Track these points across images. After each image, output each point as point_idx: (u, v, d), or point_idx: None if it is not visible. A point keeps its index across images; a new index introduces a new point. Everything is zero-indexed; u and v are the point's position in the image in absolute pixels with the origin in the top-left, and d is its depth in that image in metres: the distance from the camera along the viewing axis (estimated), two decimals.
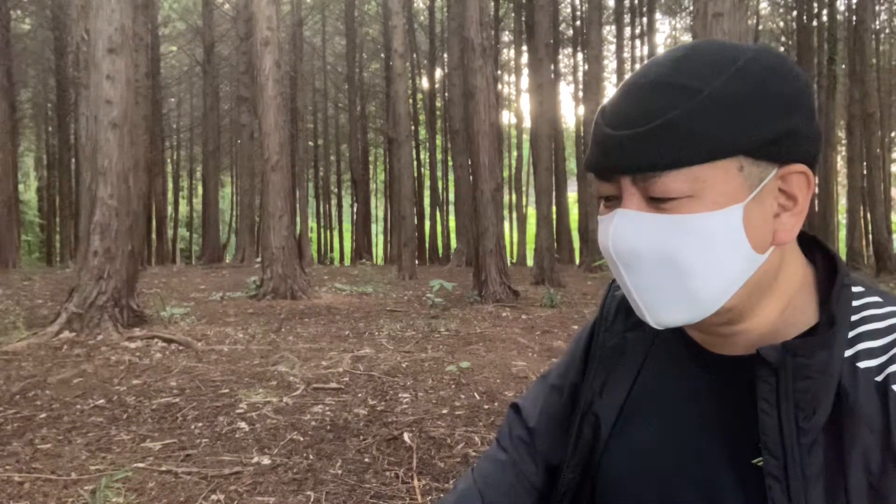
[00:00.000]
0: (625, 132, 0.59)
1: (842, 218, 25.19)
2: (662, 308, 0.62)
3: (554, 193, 18.83)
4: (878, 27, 23.44)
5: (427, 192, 28.89)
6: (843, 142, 22.99)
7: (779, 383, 0.58)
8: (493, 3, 20.64)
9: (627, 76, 0.65)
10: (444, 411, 3.93)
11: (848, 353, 0.59)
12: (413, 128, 25.11)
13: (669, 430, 0.69)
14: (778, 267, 0.63)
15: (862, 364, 0.58)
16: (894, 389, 0.56)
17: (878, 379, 0.57)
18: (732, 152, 0.58)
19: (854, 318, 0.61)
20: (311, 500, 2.69)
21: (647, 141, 0.58)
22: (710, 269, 0.59)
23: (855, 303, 0.62)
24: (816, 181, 0.64)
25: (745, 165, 0.59)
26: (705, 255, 0.59)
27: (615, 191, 0.63)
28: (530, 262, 20.10)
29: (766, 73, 0.59)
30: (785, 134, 0.59)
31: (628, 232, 0.61)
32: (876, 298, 0.63)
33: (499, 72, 26.29)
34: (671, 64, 0.60)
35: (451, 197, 26.33)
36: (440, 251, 28.62)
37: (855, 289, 0.64)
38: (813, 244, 0.69)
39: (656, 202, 0.60)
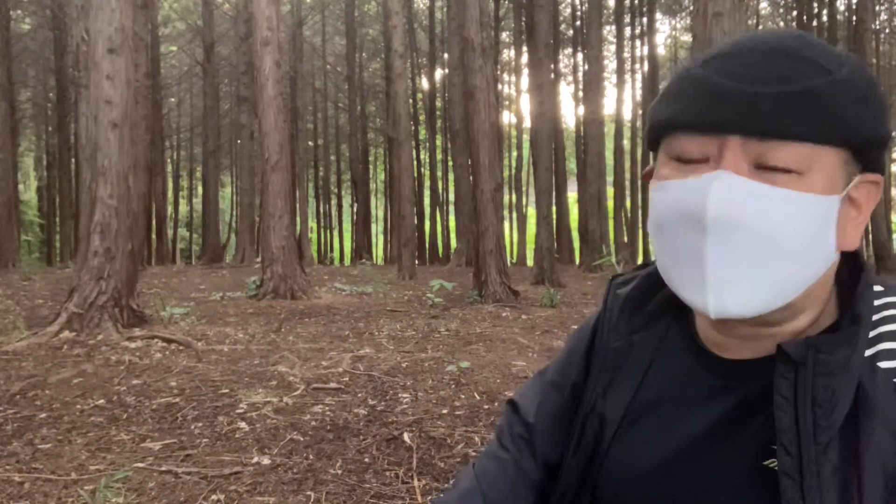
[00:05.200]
0: (762, 89, 0.55)
1: None
2: (738, 289, 0.57)
3: (554, 193, 18.83)
4: (878, 27, 23.44)
5: (427, 192, 28.89)
6: None
7: (797, 379, 0.57)
8: (493, 3, 20.64)
9: (735, 39, 0.61)
10: (444, 411, 3.93)
11: (868, 352, 0.58)
12: (413, 128, 25.13)
13: (675, 433, 0.68)
14: (832, 273, 0.63)
15: (882, 364, 0.57)
16: None
17: None
18: (849, 141, 0.56)
19: (875, 317, 0.60)
20: (311, 500, 2.69)
21: (781, 103, 0.54)
22: (801, 255, 0.57)
23: (876, 302, 0.62)
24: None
25: (848, 160, 0.58)
26: (801, 238, 0.56)
27: (712, 150, 0.58)
28: (530, 262, 20.09)
29: (871, 77, 0.59)
30: (883, 139, 0.58)
31: (738, 197, 0.55)
32: (894, 299, 0.62)
33: (499, 72, 26.29)
34: (793, 39, 0.58)
35: (451, 197, 26.32)
36: (440, 251, 28.62)
37: (876, 288, 0.63)
38: None
39: (765, 172, 0.56)
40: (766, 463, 0.59)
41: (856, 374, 0.57)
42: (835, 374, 0.57)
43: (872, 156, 0.59)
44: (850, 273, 0.64)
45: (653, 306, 0.76)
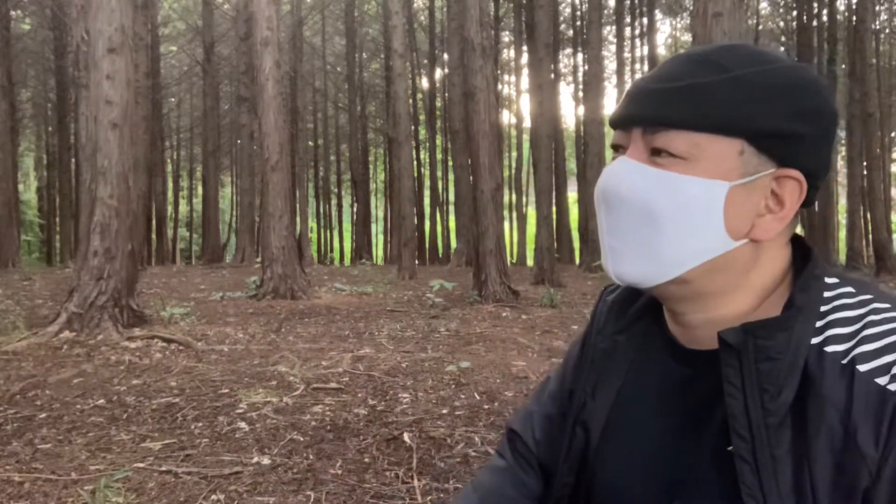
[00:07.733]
0: (651, 86, 0.64)
1: (842, 218, 25.17)
2: (625, 256, 0.65)
3: (554, 193, 18.82)
4: (878, 27, 23.44)
5: (427, 192, 28.89)
6: (843, 142, 22.98)
7: (742, 365, 0.60)
8: (493, 3, 20.64)
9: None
10: (444, 411, 3.92)
11: (816, 340, 0.60)
12: (413, 128, 25.10)
13: (653, 428, 0.70)
14: (751, 262, 0.65)
15: (829, 348, 0.59)
16: (859, 369, 0.56)
17: (844, 361, 0.58)
18: (737, 133, 0.61)
19: (825, 308, 0.62)
20: (311, 500, 2.69)
21: (667, 97, 0.63)
22: (679, 232, 0.62)
23: (827, 294, 0.63)
24: (805, 193, 0.68)
25: (745, 151, 0.62)
26: (680, 217, 0.62)
27: (625, 142, 0.67)
28: (530, 262, 20.08)
29: (800, 81, 0.62)
30: (791, 135, 0.61)
31: (620, 175, 0.65)
32: (849, 289, 0.64)
33: (499, 72, 26.27)
34: (718, 47, 0.66)
35: (451, 197, 26.30)
36: (440, 251, 28.62)
37: (828, 280, 0.65)
38: (797, 244, 0.69)
39: (655, 157, 0.64)
40: (729, 448, 0.60)
41: (800, 358, 0.59)
42: (775, 359, 0.59)
43: (786, 151, 0.62)
44: (803, 266, 0.67)
45: (635, 309, 0.79)
